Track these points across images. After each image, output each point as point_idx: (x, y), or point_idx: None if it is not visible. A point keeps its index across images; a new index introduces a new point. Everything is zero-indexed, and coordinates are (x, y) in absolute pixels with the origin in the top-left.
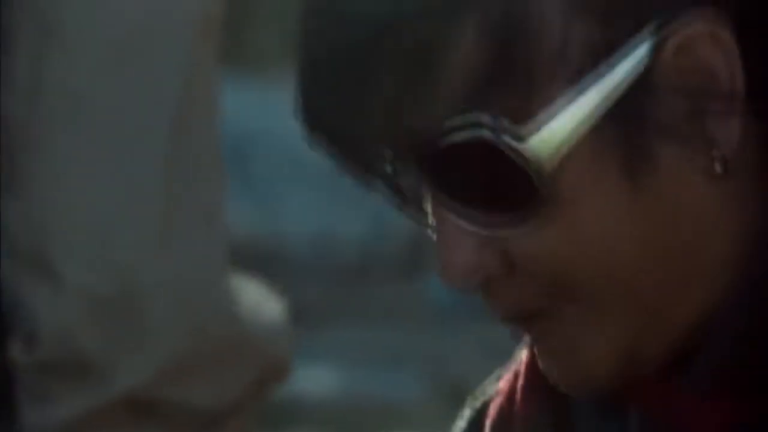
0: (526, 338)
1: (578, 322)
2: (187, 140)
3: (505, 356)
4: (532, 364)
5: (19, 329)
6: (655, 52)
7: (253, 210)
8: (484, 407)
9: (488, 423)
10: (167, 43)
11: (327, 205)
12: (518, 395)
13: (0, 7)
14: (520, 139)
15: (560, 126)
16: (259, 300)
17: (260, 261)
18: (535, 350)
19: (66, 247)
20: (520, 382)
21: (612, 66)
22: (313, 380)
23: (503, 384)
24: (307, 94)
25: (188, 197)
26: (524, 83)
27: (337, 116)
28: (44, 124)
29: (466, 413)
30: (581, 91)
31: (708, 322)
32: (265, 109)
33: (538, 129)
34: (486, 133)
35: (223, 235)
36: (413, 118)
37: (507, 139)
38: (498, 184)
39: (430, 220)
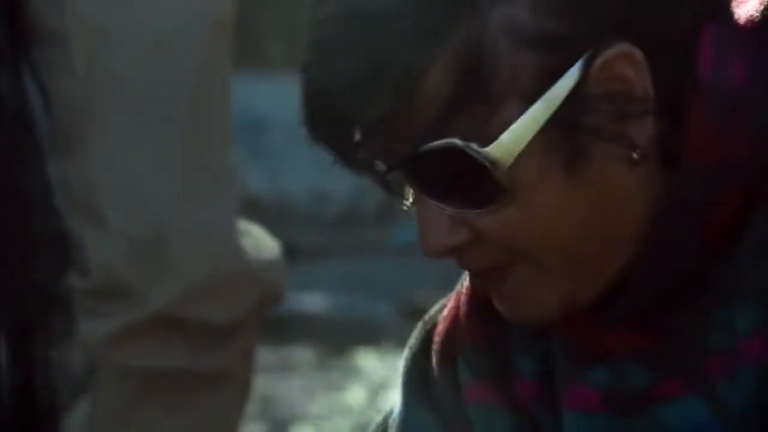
0: (481, 283)
1: (529, 277)
2: (202, 118)
3: (454, 285)
4: (473, 294)
5: (76, 263)
6: (584, 71)
7: (263, 173)
8: (432, 327)
9: (436, 339)
10: (187, 41)
11: (320, 169)
12: (462, 318)
13: (62, 15)
14: (482, 145)
15: (513, 134)
16: (260, 241)
17: (269, 212)
18: (492, 293)
19: (110, 200)
20: (464, 308)
21: (551, 85)
22: (308, 303)
23: (447, 310)
24: (311, 113)
25: (205, 162)
26: (484, 103)
27: (337, 134)
28: (95, 102)
29: (417, 332)
30: (528, 106)
31: (627, 273)
32: (275, 99)
33: (496, 137)
34: (456, 142)
35: (234, 191)
36: (399, 134)
37: (472, 146)
38: (466, 180)
39: (410, 204)
